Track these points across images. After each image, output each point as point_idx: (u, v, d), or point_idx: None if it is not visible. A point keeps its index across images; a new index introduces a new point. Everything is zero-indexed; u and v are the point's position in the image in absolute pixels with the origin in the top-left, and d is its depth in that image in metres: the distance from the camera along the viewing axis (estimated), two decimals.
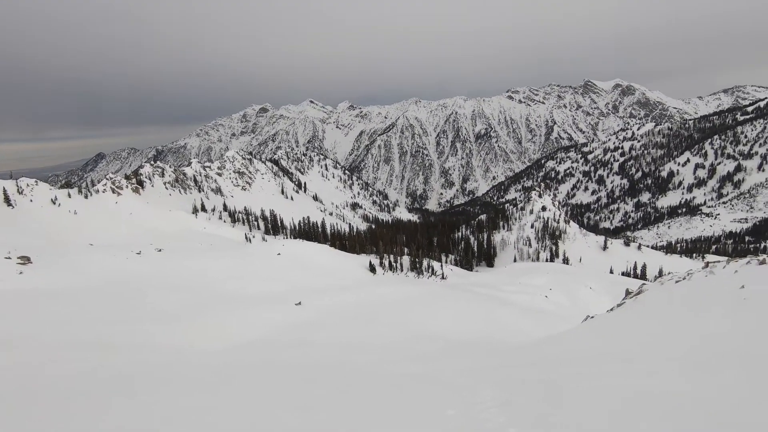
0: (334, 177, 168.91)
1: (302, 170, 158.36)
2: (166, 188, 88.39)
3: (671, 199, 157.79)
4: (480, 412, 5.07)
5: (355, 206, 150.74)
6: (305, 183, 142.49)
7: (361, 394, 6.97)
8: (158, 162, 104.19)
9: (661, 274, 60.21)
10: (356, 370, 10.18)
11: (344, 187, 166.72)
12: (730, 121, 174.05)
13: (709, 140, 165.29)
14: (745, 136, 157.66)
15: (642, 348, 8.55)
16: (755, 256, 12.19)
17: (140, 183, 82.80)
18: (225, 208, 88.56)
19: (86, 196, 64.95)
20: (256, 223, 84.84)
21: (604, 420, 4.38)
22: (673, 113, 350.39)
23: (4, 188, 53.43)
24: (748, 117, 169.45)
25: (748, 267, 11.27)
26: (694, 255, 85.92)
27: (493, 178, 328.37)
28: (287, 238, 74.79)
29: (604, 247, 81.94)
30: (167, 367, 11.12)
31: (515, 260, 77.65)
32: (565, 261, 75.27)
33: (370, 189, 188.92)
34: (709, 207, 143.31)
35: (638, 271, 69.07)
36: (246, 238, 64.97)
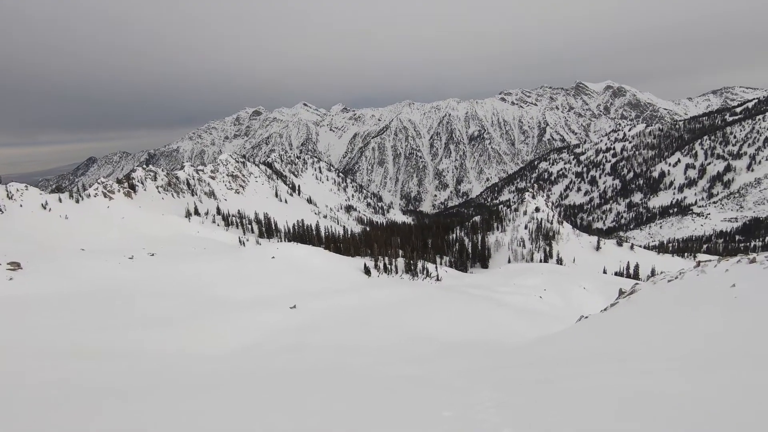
0: (328, 180, 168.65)
1: (296, 173, 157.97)
2: (159, 192, 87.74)
3: (663, 199, 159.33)
4: (476, 413, 5.06)
5: (349, 209, 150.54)
6: (299, 186, 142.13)
7: (357, 397, 6.94)
8: (150, 166, 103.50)
9: (653, 273, 60.72)
10: (351, 372, 10.14)
11: (338, 189, 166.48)
12: (720, 122, 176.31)
13: (699, 141, 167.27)
14: (734, 137, 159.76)
15: (636, 347, 8.60)
16: (745, 254, 12.33)
17: (132, 187, 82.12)
18: (218, 211, 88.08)
19: (77, 201, 64.31)
20: (250, 226, 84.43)
21: (600, 419, 4.39)
22: (664, 114, 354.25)
23: None
24: (736, 117, 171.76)
25: (739, 266, 11.39)
26: (686, 254, 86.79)
27: (487, 179, 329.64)
28: (281, 241, 74.49)
29: (598, 248, 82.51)
30: (159, 372, 11.01)
31: (509, 261, 77.92)
32: (559, 261, 75.66)
33: (365, 191, 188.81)
34: (700, 207, 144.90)
35: (631, 271, 69.61)
36: (240, 241, 64.65)
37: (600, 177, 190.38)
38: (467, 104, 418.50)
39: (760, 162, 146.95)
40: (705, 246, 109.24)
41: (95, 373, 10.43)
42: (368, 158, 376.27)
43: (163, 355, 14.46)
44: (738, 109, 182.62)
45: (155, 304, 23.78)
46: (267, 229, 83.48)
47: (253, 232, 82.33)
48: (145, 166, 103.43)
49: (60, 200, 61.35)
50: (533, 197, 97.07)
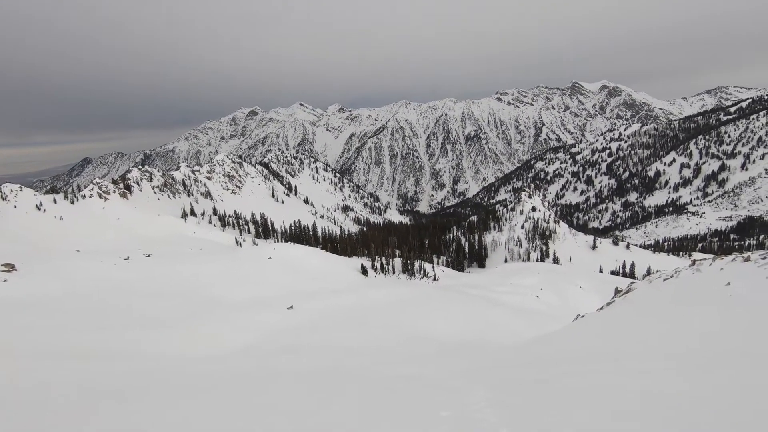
0: (324, 180, 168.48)
1: (293, 173, 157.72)
2: (155, 193, 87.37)
3: (658, 198, 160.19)
4: (474, 413, 5.07)
5: (346, 209, 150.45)
6: (296, 186, 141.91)
7: (355, 397, 6.93)
8: (146, 166, 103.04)
9: (649, 272, 61.01)
10: (349, 373, 10.14)
11: (335, 189, 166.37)
12: (714, 122, 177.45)
13: (694, 140, 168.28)
14: (729, 136, 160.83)
15: (632, 346, 8.64)
16: (740, 253, 12.41)
17: (128, 188, 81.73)
18: (215, 212, 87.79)
19: (72, 202, 63.94)
20: (246, 226, 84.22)
21: (597, 419, 4.40)
22: (659, 114, 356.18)
23: None
24: (731, 117, 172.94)
25: (734, 264, 11.47)
26: (681, 253, 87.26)
27: (484, 179, 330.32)
28: (278, 241, 74.35)
29: (594, 247, 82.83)
30: (156, 374, 10.96)
31: (506, 261, 78.10)
32: (556, 261, 75.91)
33: (361, 191, 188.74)
34: (695, 206, 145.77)
35: (627, 270, 69.92)
36: (236, 242, 64.46)
37: (596, 176, 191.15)
38: (464, 104, 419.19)
39: (754, 161, 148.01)
40: (700, 245, 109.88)
41: (91, 375, 10.37)
42: (365, 158, 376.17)
43: (160, 357, 14.40)
44: (732, 109, 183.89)
45: (151, 305, 23.68)
46: (264, 230, 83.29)
47: (249, 232, 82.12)
48: (140, 166, 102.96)
49: (55, 201, 60.97)
50: (530, 197, 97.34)
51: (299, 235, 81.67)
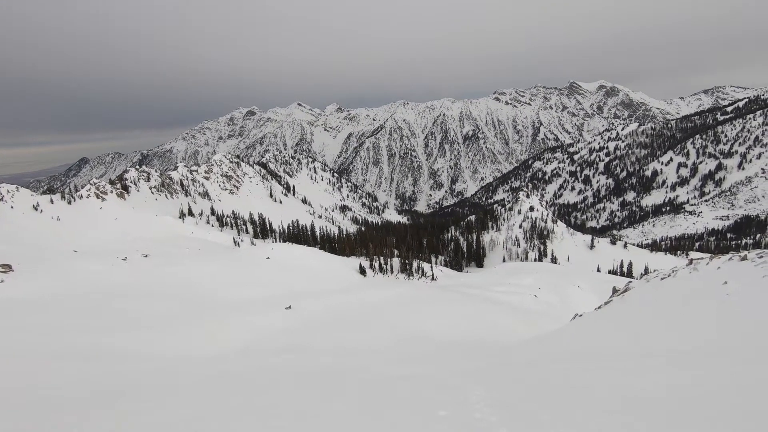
0: (322, 180, 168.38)
1: (291, 173, 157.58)
2: (152, 193, 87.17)
3: (655, 197, 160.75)
4: (472, 413, 5.08)
5: (344, 209, 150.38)
6: (294, 186, 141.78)
7: (353, 397, 6.94)
8: (144, 166, 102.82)
9: (646, 271, 61.19)
10: (347, 373, 10.14)
11: (333, 189, 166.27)
12: (711, 121, 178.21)
13: (691, 140, 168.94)
14: (725, 136, 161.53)
15: (630, 345, 8.67)
16: (737, 252, 12.46)
17: (125, 188, 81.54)
18: (213, 212, 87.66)
19: (69, 202, 63.76)
20: (244, 227, 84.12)
21: (595, 417, 4.42)
22: (656, 113, 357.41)
23: None
24: (727, 117, 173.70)
25: (731, 263, 11.52)
26: (679, 252, 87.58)
27: (482, 179, 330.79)
28: (276, 241, 74.28)
29: (591, 246, 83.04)
30: (153, 376, 10.94)
31: (504, 260, 78.25)
32: (554, 260, 76.08)
33: (360, 191, 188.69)
34: (692, 205, 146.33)
35: (624, 269, 70.15)
36: (234, 242, 64.40)
37: (593, 176, 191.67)
38: (461, 104, 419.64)
39: (750, 160, 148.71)
40: (697, 244, 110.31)
41: (90, 376, 10.35)
42: (363, 158, 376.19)
43: (158, 357, 14.37)
44: (729, 109, 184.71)
45: (149, 306, 23.63)
46: (262, 230, 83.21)
47: (247, 232, 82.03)
48: (138, 166, 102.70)
49: (52, 201, 60.78)
50: (527, 196, 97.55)
51: (297, 235, 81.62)
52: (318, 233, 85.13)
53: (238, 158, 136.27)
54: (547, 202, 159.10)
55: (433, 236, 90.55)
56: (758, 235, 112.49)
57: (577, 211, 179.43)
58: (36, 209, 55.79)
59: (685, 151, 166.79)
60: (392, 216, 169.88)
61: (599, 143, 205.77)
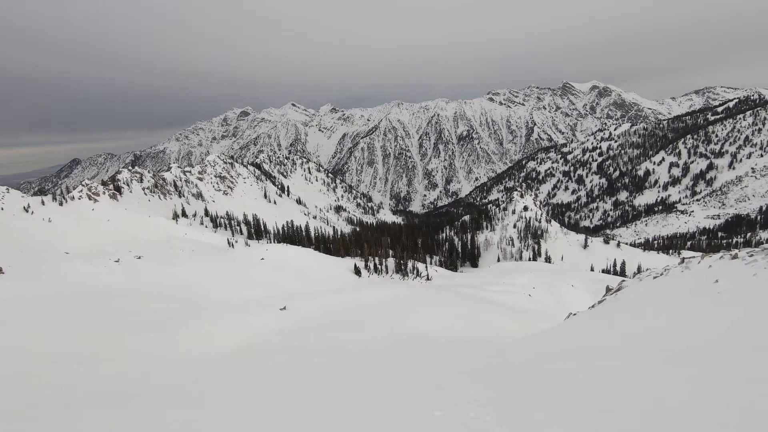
0: (317, 180, 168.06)
1: (285, 174, 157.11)
2: (145, 194, 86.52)
3: (648, 197, 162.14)
4: (467, 412, 5.08)
5: (339, 209, 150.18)
6: (288, 187, 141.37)
7: (348, 398, 6.92)
8: (136, 167, 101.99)
9: (639, 270, 61.67)
10: (342, 373, 10.12)
11: (328, 190, 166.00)
12: (702, 121, 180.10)
13: (683, 140, 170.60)
14: (716, 136, 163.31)
15: (623, 343, 8.73)
16: (728, 251, 12.59)
17: (118, 189, 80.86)
18: (206, 213, 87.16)
19: (61, 204, 63.13)
20: (238, 227, 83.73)
21: (589, 416, 4.44)
22: (648, 114, 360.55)
23: None
24: (718, 117, 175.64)
25: (721, 262, 11.63)
26: (671, 251, 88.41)
27: (476, 179, 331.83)
28: (271, 242, 74.01)
29: (585, 246, 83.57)
30: (146, 377, 10.85)
31: (499, 260, 78.52)
32: (548, 260, 76.46)
33: (354, 192, 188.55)
34: (684, 204, 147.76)
35: (618, 268, 70.66)
36: (228, 243, 64.06)
37: (587, 176, 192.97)
38: (456, 104, 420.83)
39: (741, 160, 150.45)
40: (689, 243, 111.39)
41: (84, 377, 10.24)
42: (357, 158, 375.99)
43: (151, 360, 14.25)
44: (719, 109, 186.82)
45: (142, 308, 23.44)
46: (256, 231, 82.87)
47: (242, 233, 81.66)
48: (130, 167, 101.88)
49: (43, 203, 60.15)
50: (521, 196, 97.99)
51: (292, 235, 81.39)
52: (313, 234, 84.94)
53: (232, 159, 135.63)
54: (541, 202, 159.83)
55: (427, 236, 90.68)
56: (749, 234, 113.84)
57: (571, 211, 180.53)
58: (27, 211, 55.17)
59: (677, 151, 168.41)
60: (387, 216, 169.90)
61: (592, 143, 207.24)
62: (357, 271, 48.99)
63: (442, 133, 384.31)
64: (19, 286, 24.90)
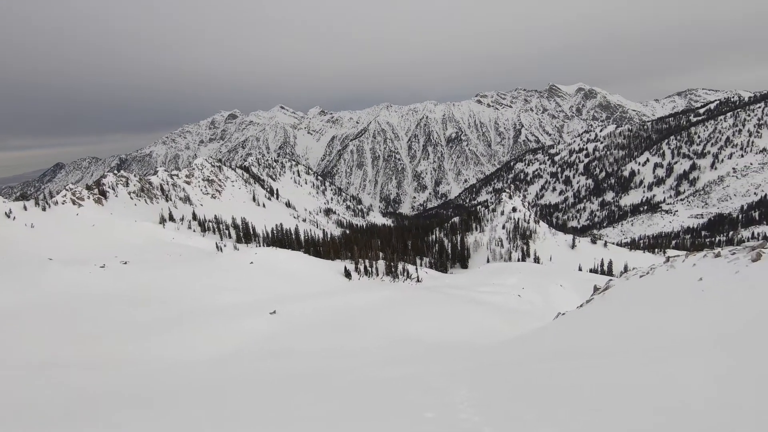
0: (306, 183, 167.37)
1: (274, 177, 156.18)
2: (131, 198, 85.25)
3: (633, 197, 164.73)
4: (457, 413, 5.10)
5: (328, 212, 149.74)
6: (277, 190, 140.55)
7: (340, 401, 6.89)
8: (122, 171, 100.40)
9: (626, 269, 62.59)
10: (333, 376, 10.07)
11: (317, 192, 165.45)
12: (684, 123, 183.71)
13: (666, 141, 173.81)
14: (698, 137, 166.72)
15: (611, 342, 8.84)
16: (711, 249, 12.85)
17: (103, 193, 79.54)
18: (194, 217, 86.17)
19: (44, 209, 61.87)
20: (227, 231, 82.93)
21: (580, 416, 4.48)
22: (633, 115, 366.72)
23: None
24: (700, 118, 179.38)
25: (705, 260, 11.86)
26: (656, 250, 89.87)
27: (465, 180, 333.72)
28: (260, 246, 73.44)
29: (573, 246, 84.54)
30: (133, 385, 10.67)
31: (488, 261, 78.99)
32: (536, 260, 77.16)
33: (344, 194, 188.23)
34: (668, 204, 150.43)
35: (605, 268, 71.58)
36: (217, 247, 63.38)
37: (574, 177, 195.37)
38: (444, 106, 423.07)
39: (722, 160, 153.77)
40: (674, 242, 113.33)
41: (64, 385, 10.03)
42: (347, 161, 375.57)
43: (138, 366, 14.02)
44: (701, 110, 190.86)
45: (129, 314, 23.06)
46: (245, 234, 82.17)
47: (230, 237, 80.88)
48: (116, 171, 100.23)
49: (25, 208, 58.87)
50: (510, 197, 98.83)
51: (281, 239, 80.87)
52: (302, 237, 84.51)
53: (220, 162, 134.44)
54: (529, 203, 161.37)
55: (417, 238, 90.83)
56: (731, 233, 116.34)
57: (559, 212, 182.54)
58: (8, 216, 53.92)
59: (661, 151, 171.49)
60: (377, 218, 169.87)
61: (579, 144, 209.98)
62: (347, 274, 48.85)
63: (431, 135, 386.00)
64: (1, 293, 24.30)
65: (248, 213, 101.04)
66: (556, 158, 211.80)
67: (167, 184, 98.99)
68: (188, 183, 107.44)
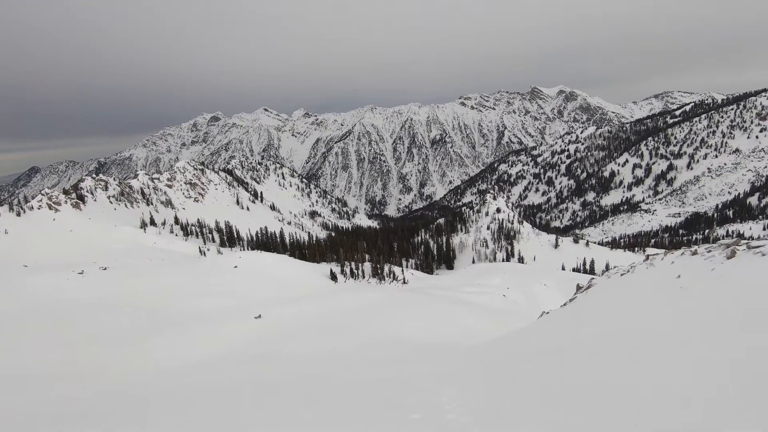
0: (291, 186, 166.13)
1: (258, 180, 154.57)
2: (111, 202, 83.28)
3: (614, 197, 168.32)
4: (444, 414, 5.11)
5: (313, 214, 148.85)
6: (261, 192, 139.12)
7: (326, 405, 6.83)
8: (101, 175, 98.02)
9: (607, 268, 63.84)
10: (320, 379, 9.99)
11: (302, 195, 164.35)
12: (662, 124, 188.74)
13: (645, 142, 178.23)
14: (675, 138, 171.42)
15: (594, 340, 8.99)
16: (688, 247, 13.20)
17: (81, 198, 77.50)
18: (176, 221, 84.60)
19: (18, 214, 60.00)
20: (210, 235, 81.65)
21: (566, 414, 4.53)
22: (612, 117, 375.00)
23: None
24: (676, 120, 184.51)
25: (683, 258, 12.17)
26: (636, 249, 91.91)
27: (450, 182, 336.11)
28: (244, 249, 72.55)
29: (556, 245, 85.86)
30: (114, 393, 10.40)
31: (474, 261, 79.59)
32: (521, 260, 78.09)
33: (329, 197, 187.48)
34: (647, 203, 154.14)
35: (587, 267, 72.90)
36: (200, 251, 62.38)
37: (556, 177, 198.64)
38: (428, 109, 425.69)
39: (698, 161, 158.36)
40: (653, 240, 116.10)
41: (42, 397, 9.71)
42: (332, 163, 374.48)
43: (118, 375, 13.68)
44: (677, 112, 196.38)
45: (109, 321, 22.49)
46: (229, 238, 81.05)
47: (214, 241, 79.66)
48: (94, 175, 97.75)
49: None
50: (494, 198, 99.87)
51: (266, 242, 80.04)
52: (287, 240, 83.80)
53: (202, 165, 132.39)
54: (512, 204, 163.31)
55: (403, 240, 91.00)
56: (707, 231, 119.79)
57: (542, 212, 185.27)
58: None
59: (639, 152, 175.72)
60: (362, 221, 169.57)
61: (560, 146, 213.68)
62: (333, 277, 48.62)
63: (416, 137, 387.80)
64: None
65: (232, 216, 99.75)
66: (539, 159, 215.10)
67: (148, 187, 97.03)
68: (170, 186, 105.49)
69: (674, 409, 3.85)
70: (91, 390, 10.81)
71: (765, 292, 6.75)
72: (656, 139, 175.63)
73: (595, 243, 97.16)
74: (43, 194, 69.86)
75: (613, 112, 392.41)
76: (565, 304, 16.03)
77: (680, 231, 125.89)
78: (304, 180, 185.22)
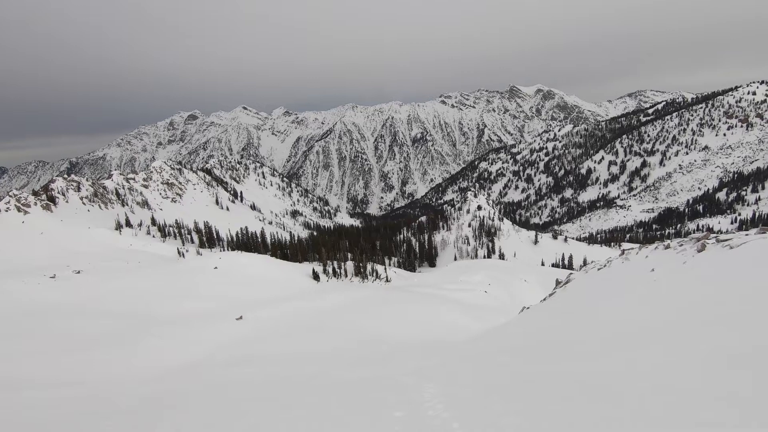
0: (272, 185, 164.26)
1: (238, 179, 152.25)
2: (84, 204, 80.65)
3: (590, 194, 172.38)
4: (426, 410, 5.13)
5: (295, 214, 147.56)
6: (241, 192, 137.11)
7: (310, 404, 6.78)
8: (73, 175, 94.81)
9: (585, 263, 65.39)
10: (302, 380, 9.91)
11: (283, 194, 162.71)
12: (635, 122, 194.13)
13: (619, 139, 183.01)
14: (648, 135, 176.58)
15: (573, 333, 9.18)
16: (661, 242, 13.63)
17: (52, 199, 74.82)
18: (153, 222, 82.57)
19: None
20: (189, 236, 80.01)
21: (546, 406, 4.61)
22: (588, 115, 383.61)
23: None
24: (649, 118, 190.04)
25: (656, 252, 12.56)
26: (612, 244, 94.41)
27: (431, 180, 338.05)
28: (224, 250, 71.38)
29: (536, 242, 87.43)
30: (88, 401, 10.09)
31: (455, 258, 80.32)
32: (501, 256, 79.21)
33: (310, 196, 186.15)
34: (622, 200, 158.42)
35: (566, 262, 74.48)
36: (179, 253, 61.03)
37: (535, 175, 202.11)
38: (409, 107, 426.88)
39: (670, 158, 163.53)
40: (628, 235, 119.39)
41: (13, 407, 9.34)
42: (313, 162, 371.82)
43: (92, 381, 13.27)
44: (650, 111, 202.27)
45: (82, 326, 21.81)
46: (208, 239, 79.58)
47: (193, 242, 78.11)
48: (66, 175, 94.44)
49: None
50: (475, 196, 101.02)
51: (247, 242, 78.94)
52: (269, 240, 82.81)
53: (180, 164, 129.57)
54: (493, 201, 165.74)
55: (385, 238, 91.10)
56: (678, 225, 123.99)
57: (521, 209, 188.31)
58: None
59: (615, 150, 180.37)
60: (344, 219, 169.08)
61: (539, 144, 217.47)
62: (315, 276, 48.33)
63: (397, 136, 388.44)
64: None
65: (211, 217, 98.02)
66: (518, 157, 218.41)
67: (123, 188, 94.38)
68: (146, 187, 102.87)
69: (645, 395, 3.96)
70: (70, 396, 10.46)
71: (732, 284, 7.02)
72: (630, 136, 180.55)
73: (573, 239, 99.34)
74: (10, 196, 67.12)
75: (589, 111, 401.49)
76: (545, 299, 16.33)
77: (654, 226, 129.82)
78: (284, 179, 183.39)
